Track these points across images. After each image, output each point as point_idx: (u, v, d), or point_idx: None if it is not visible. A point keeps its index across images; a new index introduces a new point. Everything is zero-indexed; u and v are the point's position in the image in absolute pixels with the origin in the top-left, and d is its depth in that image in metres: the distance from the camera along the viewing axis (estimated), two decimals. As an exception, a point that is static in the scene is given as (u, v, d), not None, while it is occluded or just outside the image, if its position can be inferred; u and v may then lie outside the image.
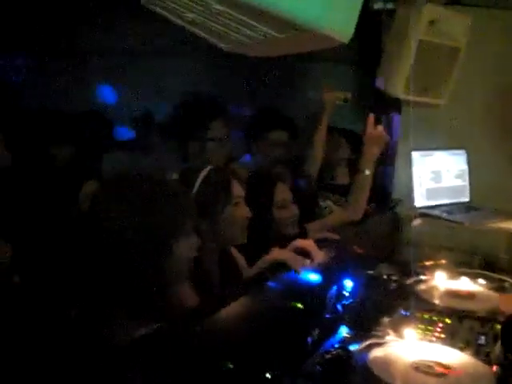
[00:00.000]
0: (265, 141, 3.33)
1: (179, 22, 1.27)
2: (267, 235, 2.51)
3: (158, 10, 1.26)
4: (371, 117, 2.99)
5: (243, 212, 2.13)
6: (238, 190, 2.12)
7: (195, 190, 2.03)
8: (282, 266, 2.02)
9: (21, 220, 2.41)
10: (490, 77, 3.24)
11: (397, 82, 2.86)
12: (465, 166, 3.18)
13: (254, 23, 1.13)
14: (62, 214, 2.35)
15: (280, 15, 1.08)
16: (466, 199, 3.18)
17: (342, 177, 3.53)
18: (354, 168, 3.33)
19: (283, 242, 2.20)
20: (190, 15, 1.19)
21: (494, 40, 3.22)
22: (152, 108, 3.98)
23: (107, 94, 4.96)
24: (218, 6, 1.08)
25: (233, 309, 1.63)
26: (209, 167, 2.13)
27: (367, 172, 2.99)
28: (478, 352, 1.81)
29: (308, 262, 2.02)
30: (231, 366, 1.49)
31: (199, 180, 2.05)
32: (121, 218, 1.50)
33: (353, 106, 3.55)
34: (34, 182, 2.66)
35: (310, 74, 4.13)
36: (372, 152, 3.00)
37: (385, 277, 2.50)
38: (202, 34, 1.31)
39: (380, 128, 3.00)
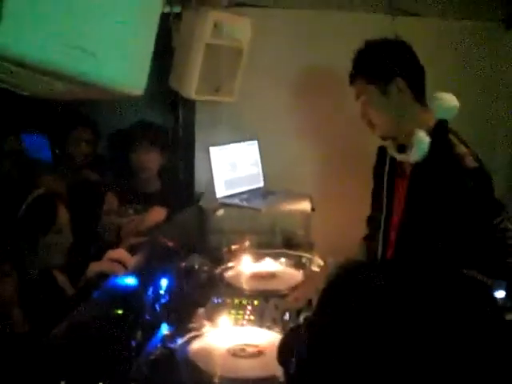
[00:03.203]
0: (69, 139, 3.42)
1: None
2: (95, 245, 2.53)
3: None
4: None
5: (66, 239, 2.13)
6: (63, 217, 2.12)
7: (20, 214, 2.01)
8: (102, 277, 2.09)
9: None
10: (278, 71, 3.48)
11: (189, 83, 3.02)
12: (257, 156, 3.44)
13: (52, 81, 1.20)
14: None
15: (75, 77, 1.16)
16: (261, 185, 3.45)
17: (154, 184, 3.52)
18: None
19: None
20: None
21: (274, 37, 3.45)
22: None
23: None
24: (8, 65, 1.13)
25: (60, 328, 1.69)
26: (36, 193, 2.10)
27: None
28: (284, 328, 2.01)
29: (123, 268, 2.10)
30: (64, 383, 1.55)
31: (24, 205, 2.03)
32: None
33: (152, 106, 3.64)
34: None
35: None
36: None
37: (196, 267, 2.67)
38: (2, 86, 1.34)
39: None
